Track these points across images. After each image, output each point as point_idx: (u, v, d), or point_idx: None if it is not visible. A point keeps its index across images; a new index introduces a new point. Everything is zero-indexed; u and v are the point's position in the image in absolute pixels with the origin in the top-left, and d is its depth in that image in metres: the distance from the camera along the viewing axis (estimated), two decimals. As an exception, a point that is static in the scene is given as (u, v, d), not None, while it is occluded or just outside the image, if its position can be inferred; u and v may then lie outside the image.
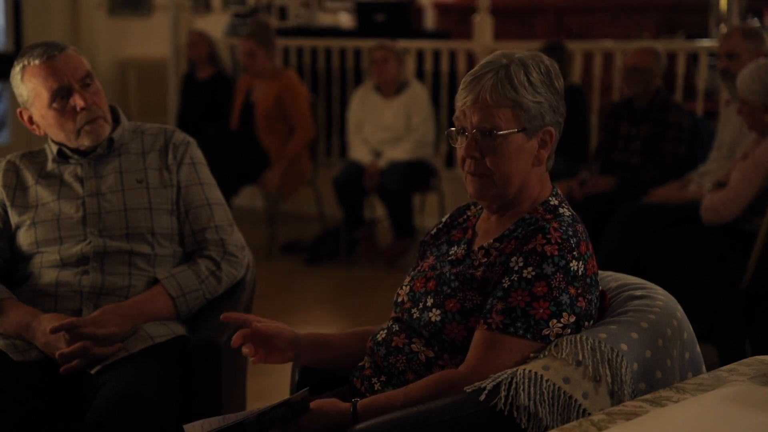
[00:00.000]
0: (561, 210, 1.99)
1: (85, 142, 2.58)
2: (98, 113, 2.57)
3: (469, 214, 2.16)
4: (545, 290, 1.88)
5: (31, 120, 2.59)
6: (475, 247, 2.04)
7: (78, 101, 2.51)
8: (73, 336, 2.34)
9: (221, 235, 2.63)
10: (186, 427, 1.93)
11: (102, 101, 2.59)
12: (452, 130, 2.01)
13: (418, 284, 2.06)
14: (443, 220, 2.21)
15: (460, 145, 1.99)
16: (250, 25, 6.36)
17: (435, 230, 2.20)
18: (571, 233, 1.92)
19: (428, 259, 2.13)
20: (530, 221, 1.97)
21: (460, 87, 2.00)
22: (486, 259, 1.98)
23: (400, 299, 2.10)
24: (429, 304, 2.00)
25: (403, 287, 2.11)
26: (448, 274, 2.01)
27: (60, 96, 2.51)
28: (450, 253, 2.09)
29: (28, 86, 2.53)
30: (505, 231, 1.99)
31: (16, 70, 2.54)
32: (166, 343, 2.44)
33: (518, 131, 1.94)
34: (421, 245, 2.21)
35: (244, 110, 6.37)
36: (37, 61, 2.51)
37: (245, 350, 2.09)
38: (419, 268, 2.13)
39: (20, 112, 2.60)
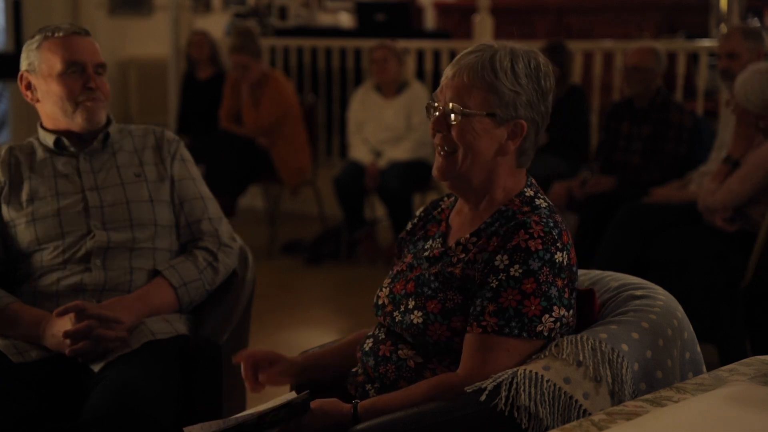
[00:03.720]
0: (537, 201, 1.98)
1: (79, 120, 2.58)
2: (102, 98, 2.60)
3: (442, 206, 2.14)
4: (534, 286, 1.87)
5: (28, 86, 2.60)
6: (451, 242, 2.01)
7: (89, 80, 2.55)
8: (80, 319, 2.35)
9: (215, 226, 2.66)
10: (186, 430, 1.92)
11: (108, 93, 2.63)
12: (429, 103, 1.99)
13: (398, 286, 2.05)
14: (417, 214, 2.18)
15: (432, 119, 1.99)
16: (235, 38, 6.33)
17: (410, 226, 2.17)
18: (552, 225, 1.92)
19: (406, 258, 2.11)
20: (507, 213, 1.96)
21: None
22: (464, 255, 1.96)
23: (380, 302, 2.08)
24: (410, 306, 1.98)
25: (383, 289, 2.09)
26: (427, 275, 1.99)
27: (72, 70, 2.55)
28: (426, 248, 2.07)
29: (43, 55, 2.55)
30: (482, 224, 1.98)
31: (35, 39, 2.58)
32: (166, 341, 2.43)
33: (486, 114, 1.93)
34: (398, 243, 2.19)
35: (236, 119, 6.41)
36: (61, 33, 2.56)
37: (246, 381, 2.21)
38: (398, 268, 2.11)
39: (21, 76, 2.61)
